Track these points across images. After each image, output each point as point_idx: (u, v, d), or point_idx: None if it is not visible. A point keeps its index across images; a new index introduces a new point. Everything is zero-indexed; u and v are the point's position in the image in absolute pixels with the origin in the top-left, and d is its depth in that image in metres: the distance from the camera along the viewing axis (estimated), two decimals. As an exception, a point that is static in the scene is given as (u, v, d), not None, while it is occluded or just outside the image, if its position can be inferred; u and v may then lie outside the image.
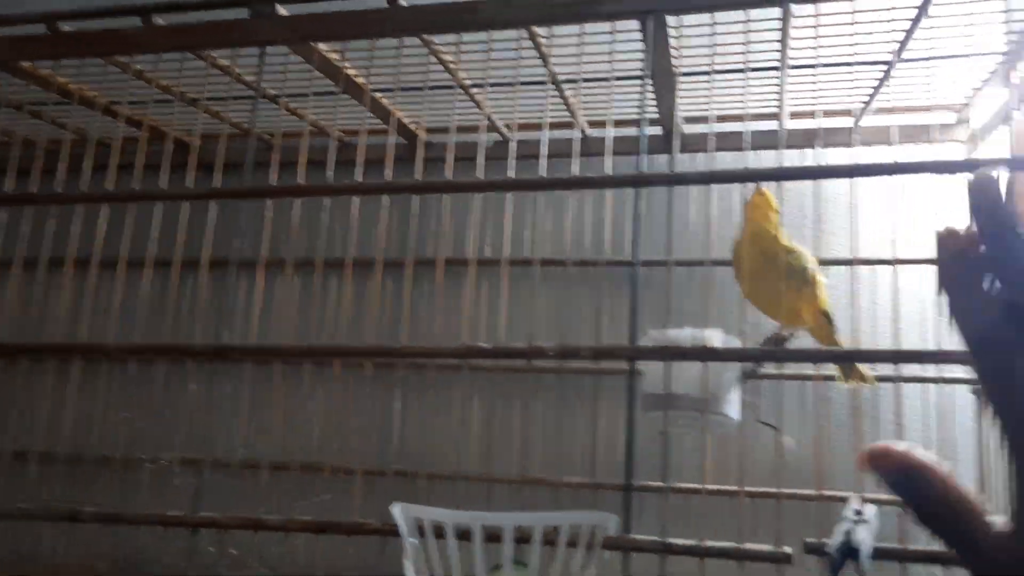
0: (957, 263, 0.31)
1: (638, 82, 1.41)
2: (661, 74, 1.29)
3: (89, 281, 1.16)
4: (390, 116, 1.61)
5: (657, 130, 1.61)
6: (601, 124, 1.65)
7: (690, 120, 1.60)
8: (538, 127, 1.66)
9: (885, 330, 1.47)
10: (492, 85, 1.46)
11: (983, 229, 0.31)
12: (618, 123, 1.63)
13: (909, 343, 1.44)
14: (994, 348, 0.29)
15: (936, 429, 1.44)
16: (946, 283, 0.31)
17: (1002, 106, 1.27)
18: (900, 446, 0.32)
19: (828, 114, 1.51)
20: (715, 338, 0.93)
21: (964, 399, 1.42)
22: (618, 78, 1.38)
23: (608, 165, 1.10)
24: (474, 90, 1.49)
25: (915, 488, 0.31)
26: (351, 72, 1.39)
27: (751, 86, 1.42)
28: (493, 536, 0.92)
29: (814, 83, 1.40)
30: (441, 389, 1.60)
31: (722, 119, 1.54)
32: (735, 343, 0.93)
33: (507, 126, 1.67)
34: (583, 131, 1.65)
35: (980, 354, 0.30)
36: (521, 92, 1.50)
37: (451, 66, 1.40)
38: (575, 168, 1.12)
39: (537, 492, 1.49)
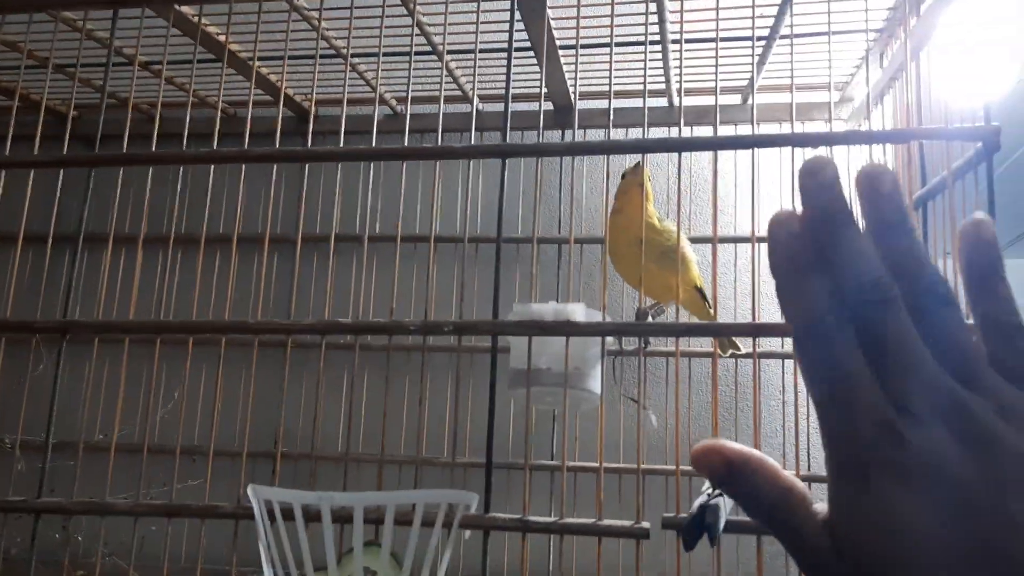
0: (788, 249, 0.29)
1: (526, 55, 1.39)
2: (543, 47, 1.26)
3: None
4: (278, 90, 1.56)
5: (548, 105, 1.59)
6: (494, 99, 1.63)
7: (586, 96, 1.59)
8: (430, 101, 1.64)
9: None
10: (384, 55, 1.43)
11: (813, 221, 0.29)
12: (500, 98, 1.62)
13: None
14: (817, 342, 0.27)
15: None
16: (775, 269, 0.29)
17: (879, 84, 1.29)
18: (727, 443, 0.30)
19: (712, 92, 1.52)
20: (578, 312, 0.92)
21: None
22: (490, 50, 1.36)
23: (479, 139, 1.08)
24: (356, 60, 1.45)
25: (741, 485, 0.29)
26: (234, 46, 1.33)
27: (631, 64, 1.41)
28: (349, 517, 0.89)
29: (693, 61, 1.40)
30: (303, 368, 1.57)
31: (616, 95, 1.53)
32: (598, 317, 0.92)
33: (395, 99, 1.64)
34: (476, 106, 1.62)
35: (802, 346, 0.28)
36: (409, 64, 1.46)
37: (326, 34, 1.35)
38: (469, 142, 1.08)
39: (402, 471, 1.47)
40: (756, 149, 0.92)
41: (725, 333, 0.90)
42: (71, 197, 1.60)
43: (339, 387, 1.55)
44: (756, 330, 0.88)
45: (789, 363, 1.46)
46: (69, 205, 1.45)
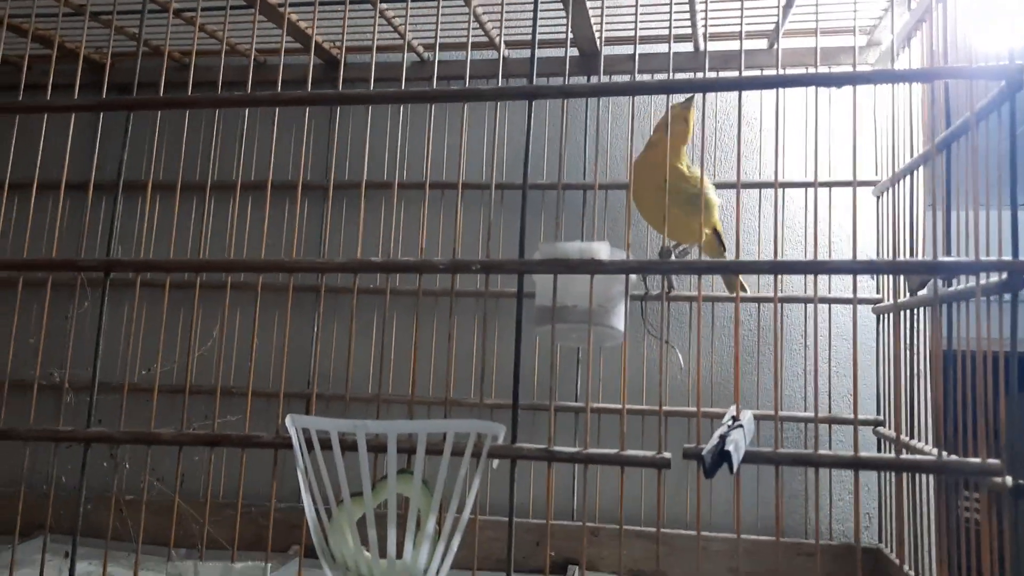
0: None
1: (553, 2, 1.40)
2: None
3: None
4: (308, 37, 1.58)
5: (574, 52, 1.60)
6: (520, 45, 1.64)
7: (611, 42, 1.60)
8: (457, 48, 1.65)
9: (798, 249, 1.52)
10: (413, 1, 1.44)
11: None
12: (527, 44, 1.63)
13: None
14: None
15: (837, 348, 1.49)
16: None
17: (905, 27, 1.28)
18: None
19: (740, 37, 1.52)
20: (602, 251, 0.94)
21: (866, 319, 1.46)
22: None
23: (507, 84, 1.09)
24: (385, 6, 1.46)
25: None
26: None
27: (656, 9, 1.41)
28: (383, 447, 0.93)
29: (719, 4, 1.40)
30: (337, 311, 1.61)
31: (642, 40, 1.54)
32: (622, 256, 0.94)
33: (422, 46, 1.65)
34: (502, 52, 1.63)
35: None
36: (437, 11, 1.48)
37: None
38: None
39: (431, 411, 1.52)
40: (782, 90, 0.93)
41: (746, 270, 0.91)
42: (108, 144, 1.64)
43: (369, 330, 1.59)
44: (776, 267, 0.90)
45: (811, 307, 1.48)
46: (105, 152, 1.49)
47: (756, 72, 1.55)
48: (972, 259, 0.86)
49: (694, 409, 1.43)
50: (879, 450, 1.39)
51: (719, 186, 1.54)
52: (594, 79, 1.60)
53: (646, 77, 1.61)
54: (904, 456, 0.87)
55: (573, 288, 0.98)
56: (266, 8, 1.40)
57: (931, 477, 1.17)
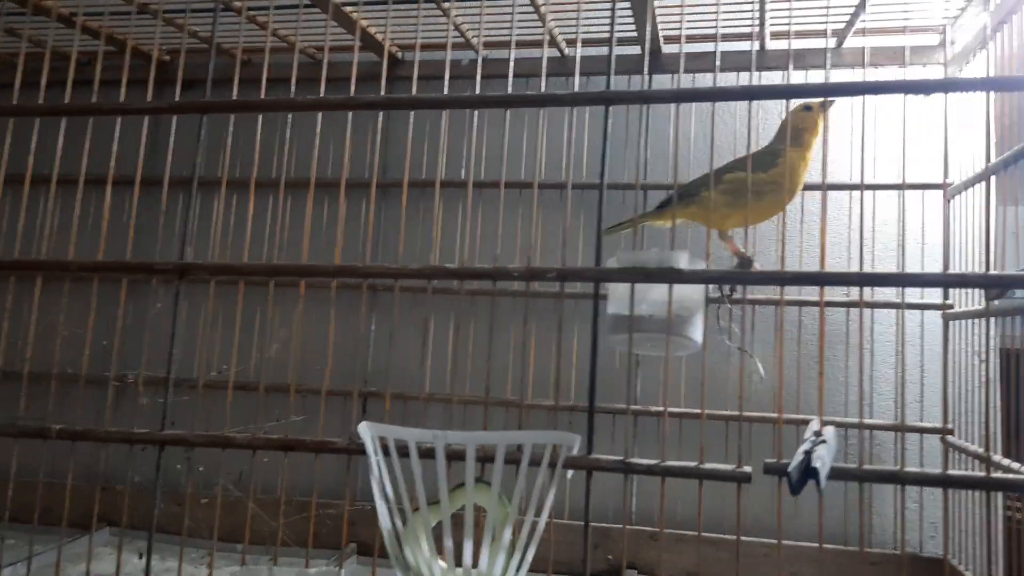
0: None
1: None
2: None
3: (49, 198, 1.13)
4: (356, 29, 1.57)
5: (635, 50, 1.58)
6: (583, 43, 1.62)
7: (670, 40, 1.57)
8: (525, 45, 1.64)
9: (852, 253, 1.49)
10: (467, 2, 1.43)
11: None
12: (597, 42, 1.61)
13: (882, 266, 1.46)
14: None
15: (905, 353, 1.46)
16: None
17: (981, 29, 1.25)
18: None
19: (807, 35, 1.49)
20: (681, 260, 0.93)
21: (934, 324, 1.43)
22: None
23: (578, 85, 1.08)
24: (445, 4, 1.45)
25: None
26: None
27: (726, 5, 1.39)
28: (458, 455, 0.93)
29: (791, 4, 1.37)
30: (408, 311, 1.61)
31: (699, 39, 1.52)
32: (701, 265, 0.93)
33: (476, 41, 1.64)
34: (561, 50, 1.62)
35: None
36: (494, 6, 1.47)
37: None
38: (544, 87, 1.09)
39: (505, 413, 1.51)
40: (863, 96, 0.91)
41: (833, 282, 0.90)
42: (160, 140, 1.64)
43: (445, 329, 1.59)
44: (863, 280, 0.88)
45: (878, 311, 1.45)
46: (158, 149, 1.49)
47: (821, 72, 1.52)
48: (1069, 274, 0.83)
49: (767, 414, 1.41)
50: (945, 459, 1.36)
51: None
52: (663, 78, 1.58)
53: (708, 76, 1.59)
54: (996, 475, 0.84)
55: (649, 296, 0.97)
56: (335, 11, 1.40)
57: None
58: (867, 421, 1.43)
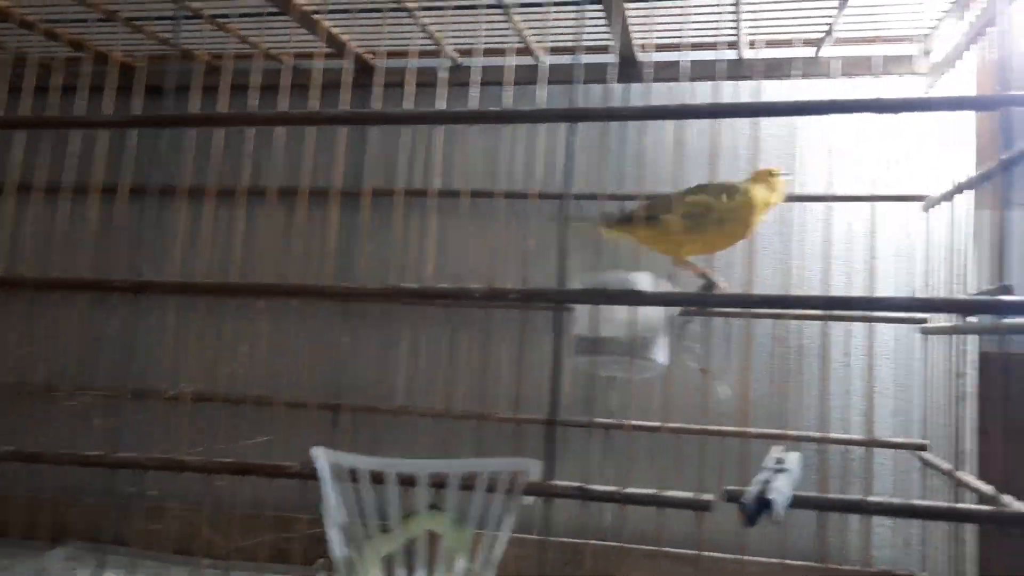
0: None
1: (592, 8, 1.35)
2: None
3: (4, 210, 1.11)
4: (342, 43, 1.55)
5: (611, 58, 1.56)
6: (559, 51, 1.60)
7: (646, 48, 1.55)
8: (494, 53, 1.61)
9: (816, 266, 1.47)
10: (437, 8, 1.41)
11: None
12: (571, 50, 1.59)
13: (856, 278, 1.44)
14: None
15: (881, 367, 1.44)
16: None
17: (961, 39, 1.23)
18: None
19: (785, 44, 1.47)
20: (643, 281, 0.91)
21: (909, 336, 1.41)
22: (560, 3, 1.32)
23: (547, 94, 1.06)
24: (419, 13, 1.42)
25: None
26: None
27: (700, 14, 1.37)
28: (414, 481, 0.91)
29: (769, 12, 1.35)
30: (381, 322, 1.59)
31: (673, 48, 1.49)
32: (665, 286, 0.91)
33: (458, 52, 1.61)
34: (536, 58, 1.59)
35: None
36: (469, 16, 1.44)
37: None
38: (509, 99, 1.07)
39: (463, 425, 1.48)
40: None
41: (799, 305, 0.88)
42: (143, 150, 1.62)
43: (416, 342, 1.57)
44: (830, 303, 0.87)
45: (852, 324, 1.43)
46: (133, 154, 1.47)
47: (802, 82, 1.50)
48: (1036, 299, 0.81)
49: (745, 429, 1.39)
50: (923, 476, 1.35)
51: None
52: (639, 87, 1.55)
53: (685, 86, 1.57)
54: (959, 506, 0.83)
55: (613, 318, 0.95)
56: (299, 14, 1.38)
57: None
58: (842, 436, 1.41)
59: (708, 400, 1.36)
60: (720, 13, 1.36)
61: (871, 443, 1.38)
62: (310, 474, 0.94)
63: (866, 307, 0.85)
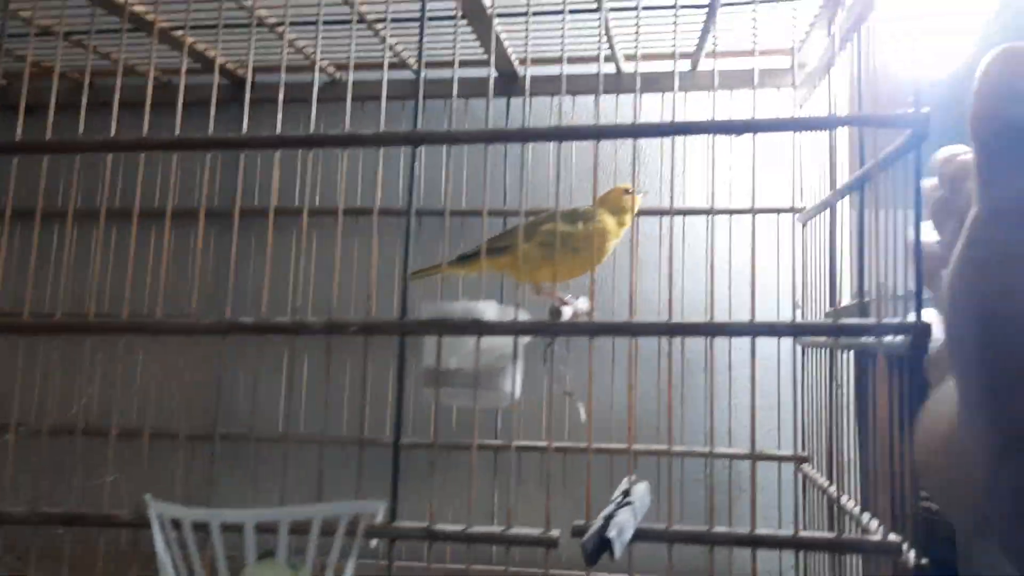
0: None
1: (461, 24, 1.32)
2: (475, 14, 1.20)
3: None
4: (210, 60, 1.49)
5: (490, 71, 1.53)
6: (436, 65, 1.56)
7: (531, 63, 1.53)
8: (371, 67, 1.57)
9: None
10: (302, 24, 1.36)
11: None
12: (448, 64, 1.56)
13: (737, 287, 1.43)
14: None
15: (760, 381, 1.44)
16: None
17: (826, 51, 1.23)
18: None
19: (660, 57, 1.46)
20: (489, 311, 0.88)
21: (789, 348, 1.41)
22: (432, 18, 1.29)
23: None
24: (288, 28, 1.38)
25: None
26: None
27: (571, 29, 1.35)
28: (265, 528, 0.86)
29: (642, 25, 1.33)
30: (248, 351, 1.53)
31: (551, 62, 1.47)
32: (514, 314, 0.88)
33: (333, 66, 1.57)
34: (415, 71, 1.55)
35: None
36: (335, 29, 1.40)
37: (258, 3, 1.28)
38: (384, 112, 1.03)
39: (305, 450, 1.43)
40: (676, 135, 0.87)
41: (643, 332, 0.86)
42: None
43: (276, 369, 1.51)
44: (672, 329, 0.84)
45: (737, 341, 1.42)
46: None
47: (681, 94, 1.49)
48: (875, 321, 0.81)
49: (617, 446, 1.37)
50: (804, 490, 1.34)
51: (642, 212, 1.48)
52: (513, 101, 1.53)
53: (568, 99, 1.55)
54: (802, 534, 0.81)
55: (460, 349, 0.92)
56: (163, 34, 1.32)
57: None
58: (725, 451, 1.40)
59: (568, 426, 1.33)
60: (589, 26, 1.34)
61: (754, 457, 1.37)
62: (142, 523, 0.89)
63: (710, 332, 0.83)
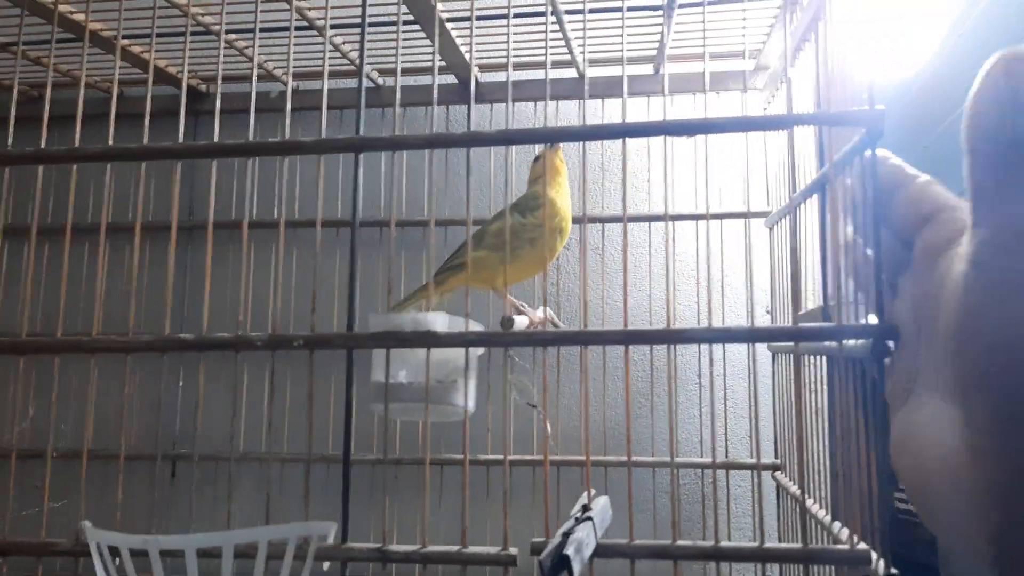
0: None
1: (412, 29, 1.30)
2: (425, 19, 1.18)
3: None
4: (159, 69, 1.45)
5: (451, 79, 1.50)
6: (389, 73, 1.54)
7: (486, 69, 1.50)
8: (316, 76, 1.54)
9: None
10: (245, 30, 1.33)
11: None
12: (412, 71, 1.53)
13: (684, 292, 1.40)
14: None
15: (733, 387, 1.42)
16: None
17: (787, 52, 1.21)
18: None
19: (620, 62, 1.44)
20: (438, 322, 0.85)
21: (764, 354, 1.39)
22: (378, 24, 1.26)
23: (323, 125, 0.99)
24: (233, 37, 1.35)
25: None
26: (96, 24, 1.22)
27: (528, 33, 1.33)
28: (209, 553, 0.82)
29: (598, 29, 1.31)
30: (217, 370, 1.49)
31: (517, 67, 1.45)
32: (467, 324, 0.84)
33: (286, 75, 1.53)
34: (375, 80, 1.53)
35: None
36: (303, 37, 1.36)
37: (196, 10, 1.25)
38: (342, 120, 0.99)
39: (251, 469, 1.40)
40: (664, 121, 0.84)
41: (596, 341, 0.83)
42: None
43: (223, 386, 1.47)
44: (628, 337, 0.82)
45: (705, 347, 1.40)
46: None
47: (642, 98, 1.47)
48: (835, 325, 0.78)
49: (578, 459, 1.34)
50: (778, 498, 1.32)
51: (608, 220, 1.46)
52: (485, 107, 1.50)
53: (529, 105, 1.53)
54: (768, 546, 0.78)
55: (409, 362, 0.88)
56: (100, 41, 1.28)
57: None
58: (694, 460, 1.38)
59: (537, 439, 1.30)
60: (543, 31, 1.32)
61: (725, 465, 1.35)
62: (81, 551, 0.85)
63: (666, 340, 0.80)
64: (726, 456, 1.36)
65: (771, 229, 1.36)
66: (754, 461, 1.35)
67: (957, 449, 0.26)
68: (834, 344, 0.88)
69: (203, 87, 1.57)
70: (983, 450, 0.24)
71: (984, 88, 0.24)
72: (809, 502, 1.08)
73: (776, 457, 1.35)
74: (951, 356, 0.25)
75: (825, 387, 1.27)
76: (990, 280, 0.24)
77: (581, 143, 0.84)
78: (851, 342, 0.77)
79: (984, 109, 0.24)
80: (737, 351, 1.41)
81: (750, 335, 0.79)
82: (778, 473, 1.32)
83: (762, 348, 1.39)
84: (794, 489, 1.21)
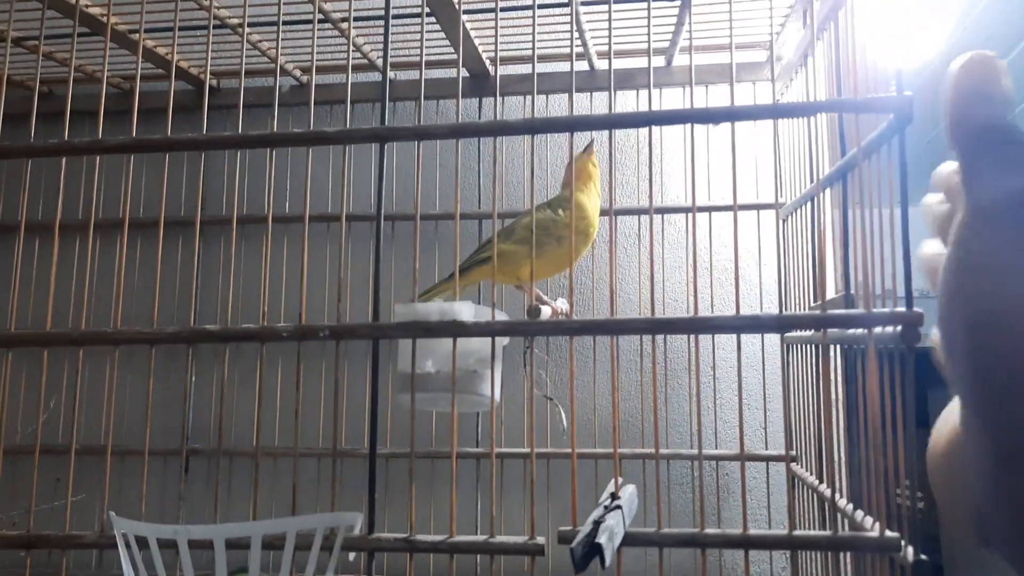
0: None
1: (429, 22, 1.29)
2: (443, 11, 1.17)
3: None
4: (171, 64, 1.45)
5: (463, 72, 1.50)
6: (405, 67, 1.53)
7: (502, 61, 1.50)
8: (336, 71, 1.54)
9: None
10: (264, 24, 1.33)
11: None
12: (429, 64, 1.53)
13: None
14: None
15: (746, 379, 1.42)
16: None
17: (801, 43, 1.21)
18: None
19: (634, 54, 1.44)
20: (465, 312, 0.84)
21: (775, 346, 1.39)
22: (398, 16, 1.26)
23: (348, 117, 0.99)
24: (251, 30, 1.34)
25: None
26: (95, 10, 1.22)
27: (543, 27, 1.32)
28: (237, 544, 0.82)
29: (615, 22, 1.31)
30: (235, 362, 1.49)
31: (525, 60, 1.45)
32: (493, 314, 0.84)
33: (299, 70, 1.53)
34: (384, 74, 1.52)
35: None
36: (299, 30, 1.36)
37: (217, 5, 1.25)
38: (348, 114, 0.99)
39: (279, 461, 1.40)
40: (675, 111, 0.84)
41: (624, 330, 0.83)
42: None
43: (249, 378, 1.47)
44: (655, 327, 0.82)
45: (720, 339, 1.40)
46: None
47: (655, 91, 1.47)
48: (864, 311, 0.78)
49: (599, 451, 1.34)
50: (792, 488, 1.32)
51: (621, 212, 1.46)
52: (487, 101, 1.50)
53: (541, 99, 1.53)
54: (796, 533, 0.78)
55: (436, 351, 0.88)
56: (117, 36, 1.28)
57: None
58: (714, 452, 1.38)
59: (551, 432, 1.30)
60: (561, 23, 1.32)
61: (742, 457, 1.35)
62: (108, 543, 0.85)
63: (693, 329, 0.80)
64: (741, 448, 1.36)
65: (784, 220, 1.36)
66: (771, 453, 1.36)
67: (956, 427, 0.28)
68: (860, 332, 0.88)
69: (213, 82, 1.57)
70: (969, 428, 0.26)
71: (954, 87, 0.28)
72: (828, 491, 1.08)
73: (787, 448, 1.35)
74: (940, 334, 0.27)
75: (841, 377, 1.27)
76: (965, 256, 0.25)
77: (608, 131, 0.84)
78: (879, 330, 0.77)
79: (956, 104, 0.28)
80: (750, 342, 1.41)
81: (779, 323, 0.79)
82: (793, 464, 1.32)
83: (770, 340, 1.39)
84: (811, 479, 1.21)
